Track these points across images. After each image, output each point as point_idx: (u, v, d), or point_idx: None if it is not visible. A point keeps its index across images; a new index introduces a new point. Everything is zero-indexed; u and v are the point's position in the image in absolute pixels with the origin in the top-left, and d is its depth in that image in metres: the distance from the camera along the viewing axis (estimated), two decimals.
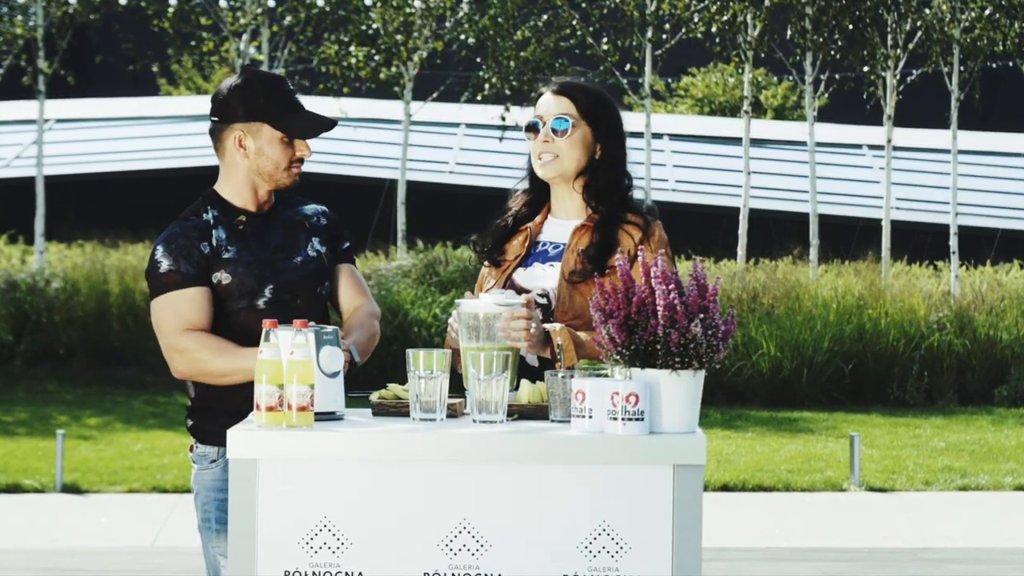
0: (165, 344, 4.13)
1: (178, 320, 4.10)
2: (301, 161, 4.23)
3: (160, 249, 4.15)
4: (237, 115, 4.17)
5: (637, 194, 4.37)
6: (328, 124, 4.22)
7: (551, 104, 4.27)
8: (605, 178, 4.26)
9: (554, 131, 4.24)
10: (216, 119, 4.21)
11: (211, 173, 4.32)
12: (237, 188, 4.23)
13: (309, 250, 4.29)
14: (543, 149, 4.26)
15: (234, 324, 4.15)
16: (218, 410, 4.16)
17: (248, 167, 4.20)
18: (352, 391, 3.95)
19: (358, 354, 4.11)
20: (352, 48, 17.62)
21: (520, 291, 4.20)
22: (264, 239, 4.23)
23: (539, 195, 4.38)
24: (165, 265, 4.13)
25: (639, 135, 17.74)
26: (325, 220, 4.37)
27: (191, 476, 4.31)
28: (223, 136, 4.21)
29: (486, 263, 4.38)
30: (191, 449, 4.28)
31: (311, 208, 4.38)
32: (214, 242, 4.17)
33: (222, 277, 4.15)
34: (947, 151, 19.49)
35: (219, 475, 4.18)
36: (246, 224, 4.22)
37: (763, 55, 17.97)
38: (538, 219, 4.36)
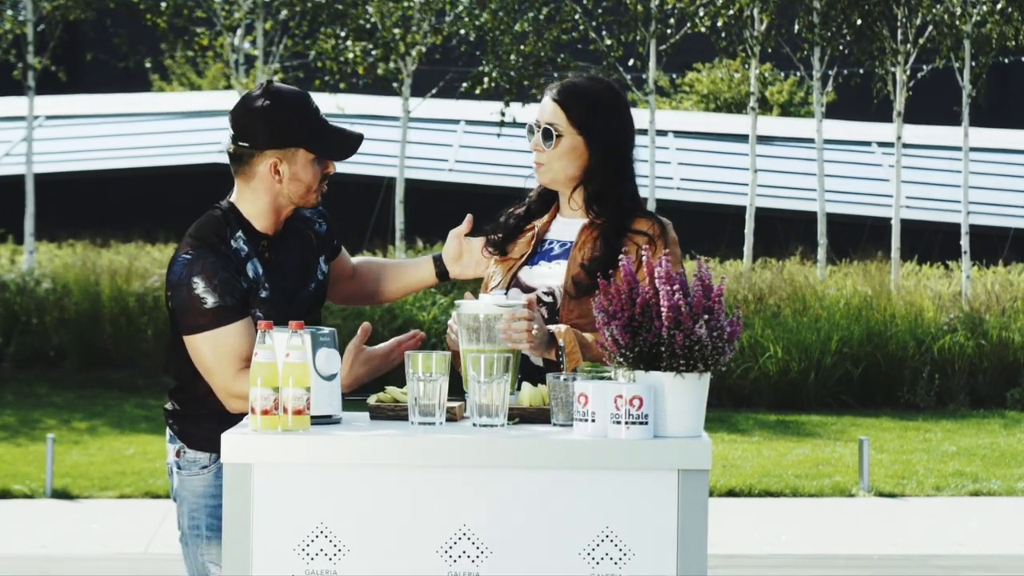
0: (219, 386, 4.03)
1: (232, 358, 4.01)
2: (327, 178, 4.20)
3: (200, 284, 4.01)
4: (272, 141, 4.09)
5: (640, 193, 4.36)
6: (358, 139, 4.19)
7: (546, 110, 4.27)
8: (600, 187, 4.26)
9: (543, 139, 4.26)
10: (245, 144, 4.11)
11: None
12: (261, 211, 4.15)
13: (319, 273, 4.29)
14: (535, 156, 4.30)
15: None
16: (209, 416, 4.15)
17: (278, 192, 4.13)
18: (349, 394, 3.95)
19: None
20: (349, 43, 17.61)
21: (526, 289, 4.21)
22: (284, 267, 4.18)
23: (551, 191, 4.39)
24: (211, 301, 4.00)
25: (643, 132, 17.74)
26: (324, 225, 4.35)
27: (176, 482, 4.29)
28: (254, 162, 4.11)
29: (495, 257, 4.38)
30: (177, 454, 4.26)
31: (308, 209, 4.33)
32: (251, 276, 4.09)
33: (254, 314, 4.09)
34: (958, 148, 19.48)
35: (211, 481, 4.17)
36: (269, 250, 4.17)
37: (770, 50, 17.97)
38: (546, 218, 4.37)
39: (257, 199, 4.14)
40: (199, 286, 4.00)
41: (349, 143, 4.18)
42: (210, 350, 4.01)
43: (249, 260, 4.10)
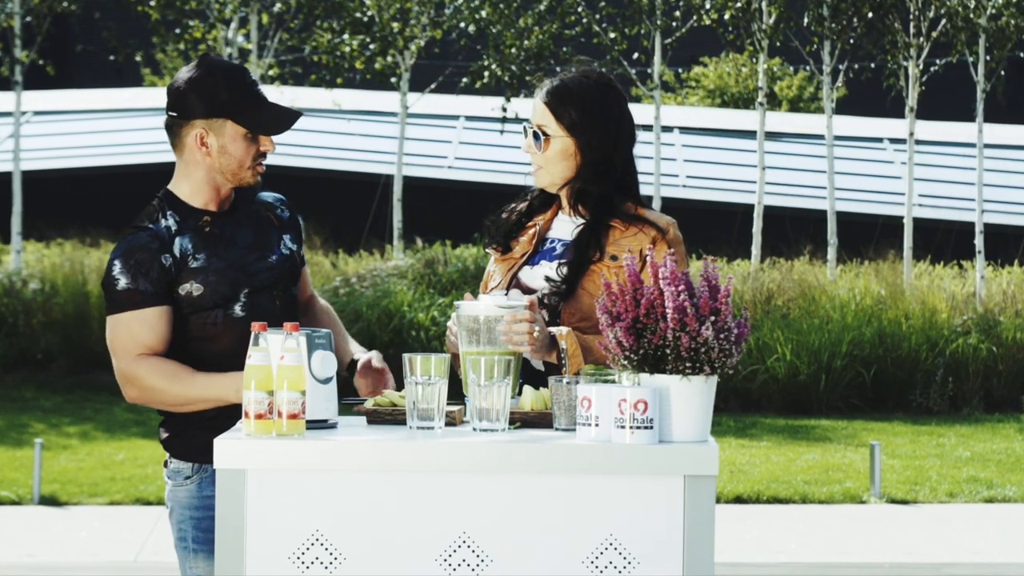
0: (117, 368, 4.10)
1: (132, 343, 4.07)
2: (264, 156, 4.19)
3: (118, 264, 4.09)
4: (198, 111, 4.12)
5: (642, 191, 4.36)
6: (294, 116, 4.17)
7: (536, 112, 4.29)
8: (583, 186, 4.26)
9: (533, 142, 4.27)
10: (174, 114, 4.16)
11: None
12: (196, 187, 4.18)
13: (282, 248, 4.27)
14: (529, 159, 4.31)
15: (208, 335, 4.12)
16: (194, 423, 4.15)
17: (210, 166, 4.15)
18: (346, 398, 3.95)
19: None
20: (346, 36, 17.62)
21: (526, 290, 4.21)
22: (233, 240, 4.18)
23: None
24: (123, 283, 4.07)
25: (648, 128, 17.74)
26: (287, 211, 4.35)
27: (165, 492, 4.30)
28: (182, 133, 4.16)
29: (494, 255, 4.37)
30: (165, 464, 4.27)
31: (269, 196, 4.35)
32: (178, 252, 4.11)
33: (192, 288, 4.10)
34: (972, 145, 19.47)
35: (195, 492, 4.17)
36: (212, 225, 4.17)
37: (779, 44, 17.96)
38: (548, 215, 4.36)
39: (190, 174, 4.19)
40: (116, 267, 4.10)
41: (281, 119, 4.16)
42: (115, 332, 4.10)
43: (178, 236, 4.14)
